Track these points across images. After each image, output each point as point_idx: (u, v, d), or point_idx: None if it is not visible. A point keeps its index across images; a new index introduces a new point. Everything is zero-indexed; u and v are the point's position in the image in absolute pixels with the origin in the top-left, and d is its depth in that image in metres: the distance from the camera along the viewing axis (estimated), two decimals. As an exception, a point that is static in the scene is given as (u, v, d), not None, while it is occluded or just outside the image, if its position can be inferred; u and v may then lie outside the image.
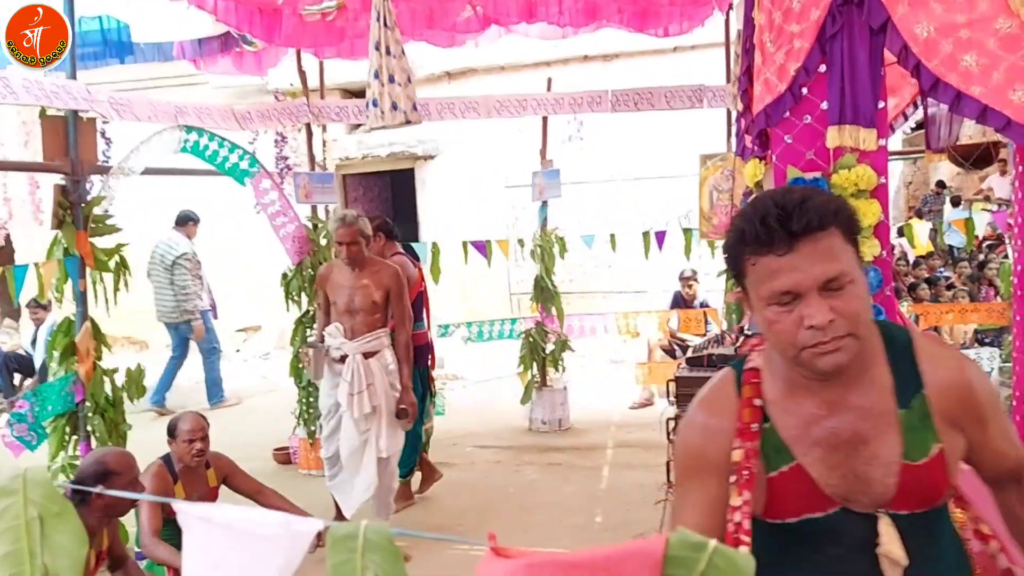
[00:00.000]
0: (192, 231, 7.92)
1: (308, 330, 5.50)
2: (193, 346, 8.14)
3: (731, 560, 0.54)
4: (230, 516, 0.58)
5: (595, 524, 4.47)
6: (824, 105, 2.43)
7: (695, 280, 7.47)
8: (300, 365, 4.62)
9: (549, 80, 6.65)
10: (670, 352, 7.44)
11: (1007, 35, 2.21)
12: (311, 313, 5.48)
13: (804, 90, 2.45)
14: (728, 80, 6.09)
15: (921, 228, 7.03)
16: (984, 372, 1.48)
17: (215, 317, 8.39)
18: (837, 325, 1.25)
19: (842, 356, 1.27)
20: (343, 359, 4.20)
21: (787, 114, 2.47)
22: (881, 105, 2.43)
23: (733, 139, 6.04)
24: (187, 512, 0.61)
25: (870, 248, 2.40)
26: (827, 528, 1.33)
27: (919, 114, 5.43)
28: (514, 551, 0.55)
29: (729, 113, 6.23)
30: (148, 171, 5.38)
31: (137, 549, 3.69)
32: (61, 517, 0.65)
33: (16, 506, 0.65)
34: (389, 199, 11.99)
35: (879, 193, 2.43)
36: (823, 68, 2.42)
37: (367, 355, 4.18)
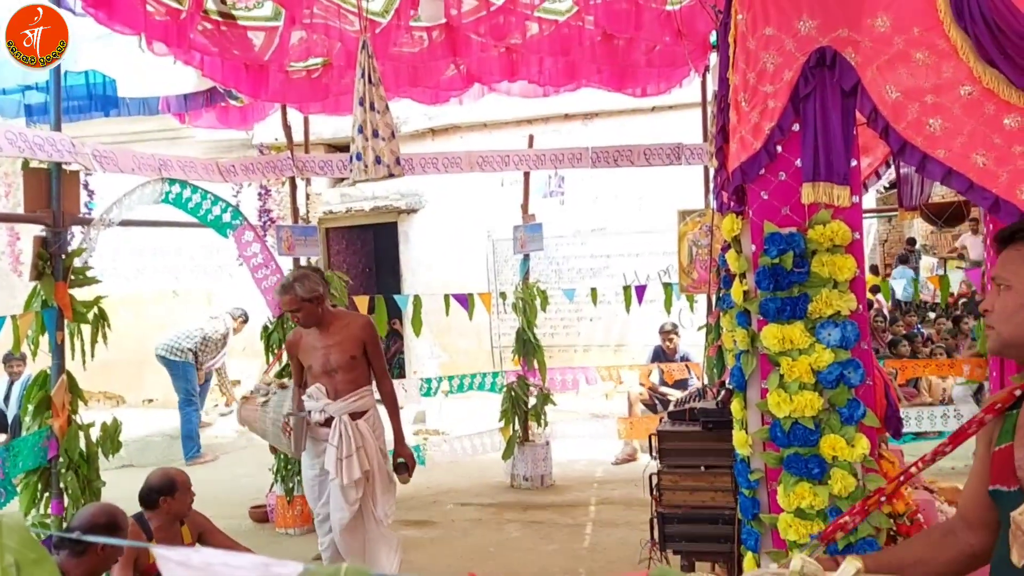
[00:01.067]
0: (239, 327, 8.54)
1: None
2: (172, 398, 8.08)
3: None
4: (208, 559, 0.57)
5: (577, 582, 4.39)
6: (798, 163, 2.49)
7: (675, 334, 7.51)
8: (285, 436, 4.27)
9: (531, 137, 6.77)
10: (651, 407, 7.43)
11: (969, 100, 2.29)
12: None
13: (779, 148, 2.51)
14: (705, 138, 6.23)
15: (896, 283, 7.12)
16: None
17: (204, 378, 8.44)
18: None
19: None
20: (328, 422, 3.96)
21: (762, 171, 2.52)
22: (854, 163, 2.48)
23: (711, 195, 6.15)
24: (165, 556, 0.60)
25: (847, 302, 2.43)
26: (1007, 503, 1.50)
27: (892, 173, 5.57)
28: None
29: (706, 170, 6.34)
30: (129, 223, 5.38)
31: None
32: (39, 564, 0.63)
33: (-9, 553, 0.63)
34: (372, 252, 12.02)
35: (854, 248, 2.47)
36: (797, 127, 2.48)
37: (354, 416, 3.95)
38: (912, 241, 13.71)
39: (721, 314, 3.82)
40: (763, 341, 2.47)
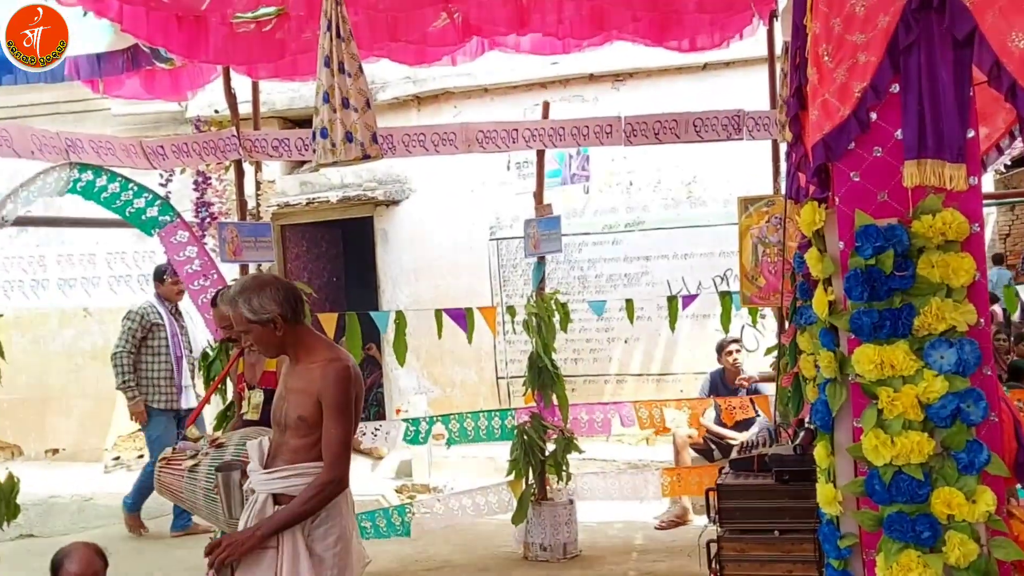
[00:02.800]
0: (169, 291, 7.57)
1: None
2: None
3: None
4: None
5: None
6: (899, 134, 2.49)
7: (740, 348, 7.46)
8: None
9: (546, 105, 6.78)
10: (706, 453, 7.42)
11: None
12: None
13: (873, 115, 2.51)
14: (773, 105, 6.23)
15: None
16: None
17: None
18: None
19: None
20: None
21: (852, 145, 2.52)
22: (971, 134, 2.48)
23: (782, 179, 6.15)
24: None
25: (964, 315, 2.42)
26: None
27: (1016, 147, 5.55)
28: None
29: (776, 145, 6.35)
30: (26, 221, 5.43)
31: None
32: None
33: None
34: (341, 256, 12.06)
35: (972, 245, 2.46)
36: (896, 88, 2.48)
37: (280, 500, 3.44)
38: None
39: (798, 332, 3.82)
40: (855, 367, 2.46)
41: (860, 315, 2.47)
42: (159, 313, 7.24)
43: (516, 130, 6.43)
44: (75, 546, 3.95)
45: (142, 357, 7.17)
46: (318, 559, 3.36)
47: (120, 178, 5.33)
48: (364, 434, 7.01)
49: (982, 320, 2.46)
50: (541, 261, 6.64)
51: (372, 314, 6.71)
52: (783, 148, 6.08)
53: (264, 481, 3.45)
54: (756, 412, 7.24)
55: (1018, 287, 7.82)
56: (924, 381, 2.42)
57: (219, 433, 4.62)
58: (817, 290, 2.63)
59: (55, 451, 11.08)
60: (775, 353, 6.32)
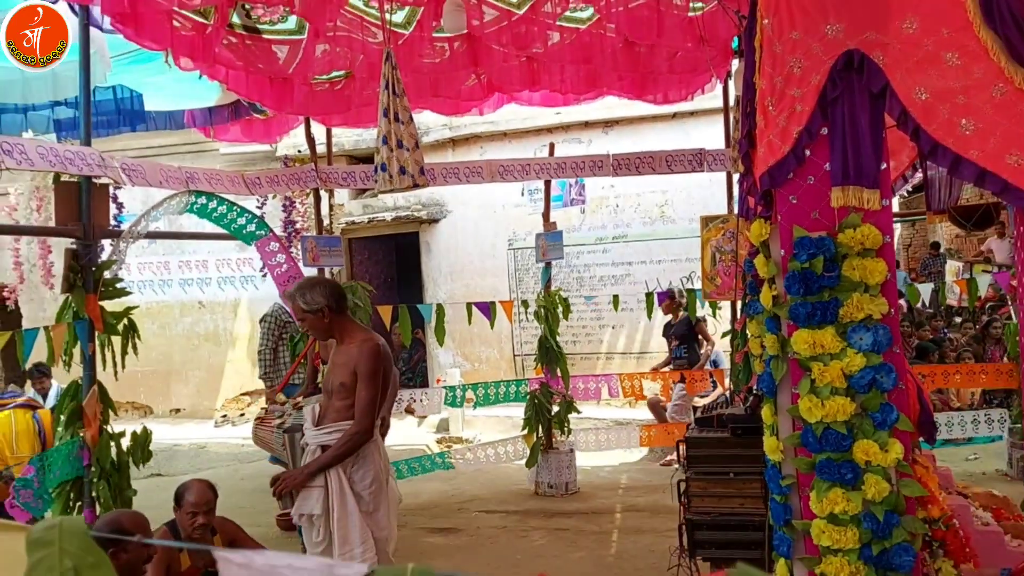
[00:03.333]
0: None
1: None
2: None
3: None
4: (272, 561, 0.56)
5: (605, 590, 4.36)
6: (827, 166, 2.47)
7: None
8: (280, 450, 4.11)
9: (551, 145, 6.76)
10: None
11: (1002, 100, 2.26)
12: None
13: (807, 152, 2.49)
14: (727, 144, 6.19)
15: (924, 288, 7.04)
16: None
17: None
18: None
19: None
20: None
21: (791, 175, 2.50)
22: (883, 166, 2.46)
23: (735, 201, 6.12)
24: (227, 559, 0.60)
25: (878, 306, 2.40)
26: None
27: (917, 177, 5.51)
28: None
29: (729, 176, 6.31)
30: (156, 235, 5.46)
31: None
32: (97, 569, 0.64)
33: (51, 557, 0.64)
34: (394, 262, 12.07)
35: (884, 252, 2.44)
36: (825, 131, 2.46)
37: (325, 449, 3.46)
38: (936, 245, 13.55)
39: (748, 320, 3.80)
40: (794, 346, 2.44)
41: (797, 307, 2.46)
42: (287, 311, 7.07)
43: (528, 165, 6.42)
44: (193, 482, 3.96)
45: (279, 348, 6.79)
46: (357, 495, 3.43)
47: (227, 202, 5.34)
48: (413, 400, 7.02)
49: (892, 310, 2.44)
50: (548, 266, 6.63)
51: (419, 306, 6.72)
52: (735, 178, 6.06)
53: (315, 436, 3.49)
54: (713, 382, 7.22)
55: (917, 285, 7.73)
56: (847, 357, 2.40)
57: (299, 398, 4.66)
58: (764, 288, 2.61)
59: (177, 410, 11.14)
60: (730, 336, 6.30)
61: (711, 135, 7.26)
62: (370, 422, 3.40)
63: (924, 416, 2.66)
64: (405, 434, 9.24)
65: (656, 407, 7.49)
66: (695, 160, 6.30)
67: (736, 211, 4.97)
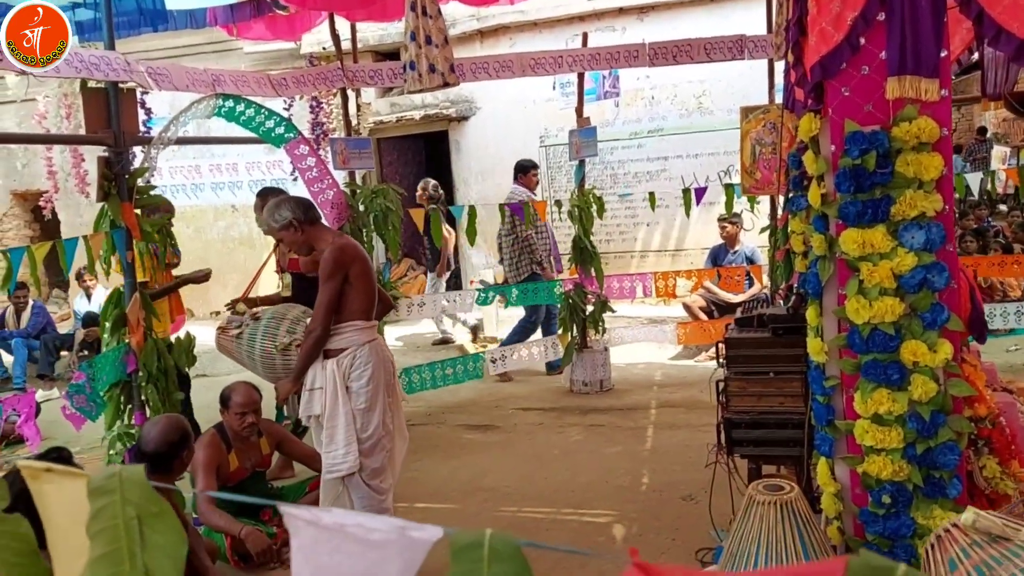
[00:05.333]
0: (531, 181, 7.16)
1: None
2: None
3: (923, 585, 0.50)
4: (340, 520, 0.56)
5: (642, 485, 4.47)
6: (883, 55, 2.33)
7: (732, 222, 7.31)
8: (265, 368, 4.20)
9: (584, 35, 6.52)
10: (707, 312, 7.39)
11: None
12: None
13: (862, 40, 2.35)
14: (769, 29, 5.91)
15: (972, 178, 6.80)
16: None
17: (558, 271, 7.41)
18: None
19: None
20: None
21: (844, 65, 2.37)
22: (943, 54, 2.32)
23: (777, 91, 5.89)
24: (294, 515, 0.60)
25: (932, 203, 2.31)
26: None
27: (971, 59, 5.23)
28: (662, 568, 0.52)
29: (771, 64, 6.06)
30: (184, 140, 5.41)
31: (194, 515, 3.77)
32: (160, 517, 0.64)
33: (113, 506, 0.64)
34: (424, 162, 11.95)
35: (942, 146, 2.33)
36: (882, 16, 2.31)
37: (328, 354, 3.55)
38: (983, 130, 13.05)
39: (790, 216, 3.71)
40: (842, 246, 2.38)
41: (847, 205, 2.37)
42: None
43: (561, 57, 6.20)
44: (238, 384, 4.08)
45: None
46: (354, 394, 3.53)
47: (254, 104, 5.27)
48: (447, 301, 7.08)
49: (947, 207, 2.36)
50: (581, 163, 6.51)
51: (450, 208, 6.68)
52: (778, 66, 5.81)
53: None
54: (749, 280, 7.16)
55: (964, 175, 7.50)
56: (898, 257, 2.33)
57: (257, 309, 4.63)
58: (812, 185, 2.52)
59: (216, 313, 11.38)
60: (768, 232, 6.20)
61: (752, 20, 6.93)
62: (321, 319, 3.48)
63: (975, 314, 2.61)
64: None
65: (691, 308, 7.48)
66: (735, 47, 6.03)
67: (780, 102, 4.78)
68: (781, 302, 3.91)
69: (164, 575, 0.60)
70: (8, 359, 8.60)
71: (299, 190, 6.07)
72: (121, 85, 4.23)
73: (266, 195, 5.47)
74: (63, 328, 9.69)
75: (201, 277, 5.14)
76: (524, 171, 7.13)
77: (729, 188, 6.41)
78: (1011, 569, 1.33)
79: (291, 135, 5.54)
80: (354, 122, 6.37)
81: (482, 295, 6.80)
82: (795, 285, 3.81)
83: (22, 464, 0.73)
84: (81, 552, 0.62)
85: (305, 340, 3.55)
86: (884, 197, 2.34)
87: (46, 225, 11.79)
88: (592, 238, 6.45)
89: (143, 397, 4.32)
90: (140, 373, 4.30)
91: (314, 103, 8.13)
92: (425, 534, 0.54)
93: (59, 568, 0.68)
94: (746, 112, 5.94)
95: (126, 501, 0.63)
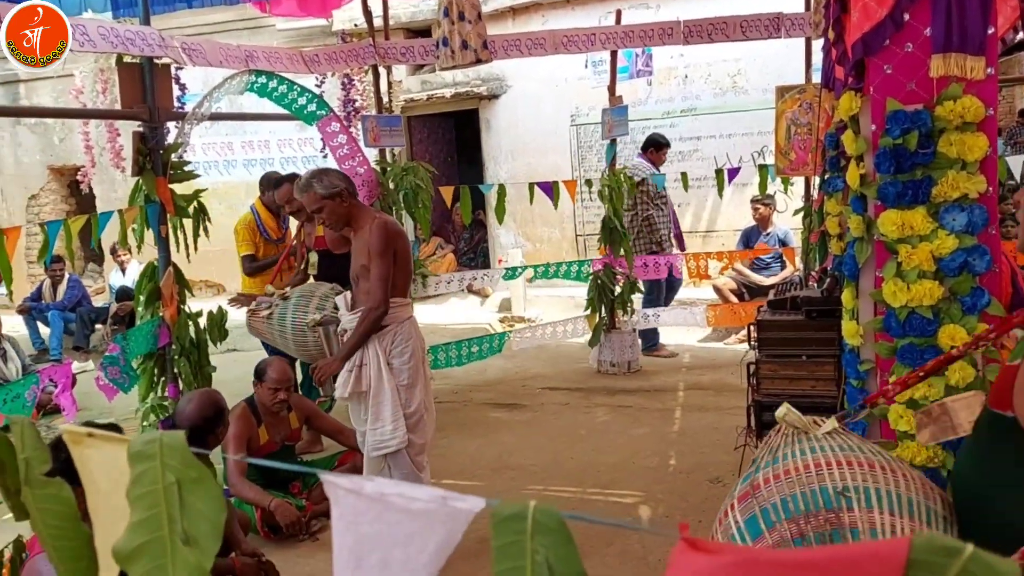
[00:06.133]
0: (659, 158, 6.94)
1: None
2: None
3: (990, 567, 0.49)
4: (382, 489, 0.56)
5: (669, 467, 4.46)
6: (928, 31, 2.27)
7: (764, 203, 7.19)
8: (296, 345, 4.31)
9: (618, 12, 6.43)
10: (738, 294, 7.32)
11: None
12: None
13: (906, 15, 2.29)
14: (807, 7, 5.79)
15: (1013, 161, 6.64)
16: None
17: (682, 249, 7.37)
18: None
19: None
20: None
21: (887, 42, 2.31)
22: (990, 31, 2.26)
23: (813, 70, 5.78)
24: (335, 483, 0.60)
25: (975, 184, 2.26)
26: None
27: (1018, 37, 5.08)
28: (712, 544, 0.52)
29: (808, 42, 5.94)
30: (217, 116, 5.46)
31: (224, 487, 3.83)
32: (199, 483, 0.64)
33: (153, 471, 0.64)
34: (454, 141, 11.93)
35: (986, 126, 2.27)
36: (928, -9, 2.25)
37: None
38: (1024, 113, 12.72)
39: (826, 198, 3.65)
40: (880, 227, 2.33)
41: (887, 186, 2.33)
42: None
43: (594, 34, 6.12)
44: (274, 359, 4.13)
45: None
46: (396, 370, 3.51)
47: (287, 81, 5.27)
48: (475, 278, 7.09)
49: (990, 188, 2.30)
50: (613, 142, 6.45)
51: (479, 186, 6.66)
52: (815, 44, 5.70)
53: (351, 320, 3.56)
54: (781, 262, 7.07)
55: (1006, 158, 7.31)
56: (938, 239, 2.28)
57: (287, 289, 4.72)
58: (850, 165, 2.47)
59: (247, 289, 11.51)
60: (802, 213, 6.11)
61: (789, -2, 6.78)
62: (382, 297, 3.44)
63: (1016, 299, 2.55)
64: (467, 314, 9.40)
65: (721, 290, 7.41)
66: (772, 25, 5.92)
67: (817, 80, 4.69)
68: (815, 285, 3.87)
69: (203, 540, 0.60)
70: (45, 331, 8.78)
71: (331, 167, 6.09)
72: (156, 60, 4.26)
73: (269, 179, 5.55)
74: (98, 302, 9.87)
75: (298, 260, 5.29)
76: (657, 147, 6.89)
77: (763, 169, 6.33)
78: (794, 450, 1.56)
79: (323, 112, 5.54)
80: (385, 100, 6.37)
81: (509, 272, 6.80)
82: (829, 268, 3.76)
83: (65, 428, 0.73)
84: (121, 516, 0.63)
85: (365, 317, 3.45)
86: (925, 178, 2.29)
87: (82, 200, 11.98)
88: (622, 218, 6.41)
89: (175, 370, 4.39)
90: (173, 346, 4.36)
91: (345, 80, 8.15)
92: (467, 504, 0.54)
93: (99, 532, 0.69)
94: (782, 92, 5.84)
95: (166, 466, 0.64)
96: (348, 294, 3.68)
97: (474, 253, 11.33)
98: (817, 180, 5.19)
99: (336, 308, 3.88)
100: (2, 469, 0.93)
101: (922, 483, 1.45)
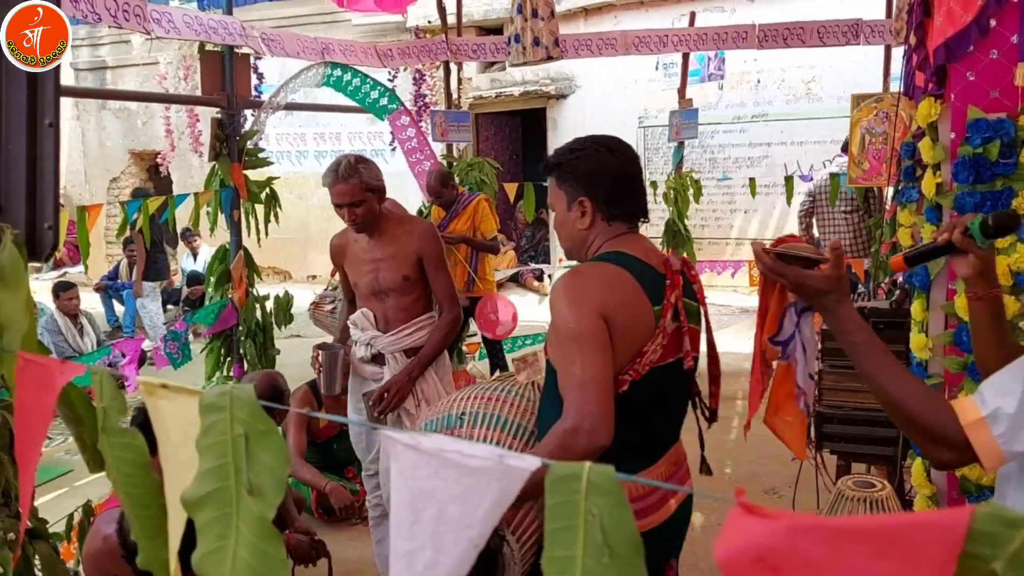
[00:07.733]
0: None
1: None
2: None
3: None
4: (440, 445, 0.57)
5: (725, 475, 4.40)
6: (1015, 38, 2.19)
7: None
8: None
9: (692, 14, 6.37)
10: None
11: None
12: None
13: (992, 21, 2.21)
14: (888, 14, 5.64)
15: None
16: None
17: None
18: None
19: None
20: (377, 359, 3.12)
21: (971, 48, 2.24)
22: (1084, 38, 2.16)
23: (892, 79, 5.62)
24: (395, 439, 0.61)
25: (1058, 201, 2.17)
26: None
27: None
28: (768, 510, 0.52)
29: (888, 50, 5.78)
30: (292, 106, 5.58)
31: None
32: (266, 436, 0.67)
33: (223, 423, 0.67)
34: (520, 139, 11.97)
35: (1074, 138, 2.18)
36: (1018, -4, 2.18)
37: (410, 354, 3.06)
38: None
39: (899, 208, 3.54)
40: (955, 239, 2.26)
41: (964, 196, 2.25)
42: None
43: (666, 36, 6.08)
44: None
45: None
46: (443, 376, 3.15)
47: (361, 75, 5.38)
48: (533, 273, 7.10)
49: (1072, 212, 2.21)
50: (680, 145, 6.39)
51: (544, 184, 6.67)
52: (895, 52, 5.54)
53: (392, 342, 3.05)
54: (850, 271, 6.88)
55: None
56: (1016, 253, 2.20)
57: None
58: (927, 173, 2.40)
59: (313, 276, 11.78)
60: (873, 223, 5.95)
61: (869, 3, 6.61)
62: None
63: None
64: (525, 311, 9.41)
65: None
66: (851, 31, 5.78)
67: (895, 90, 4.55)
68: (884, 296, 3.76)
69: (267, 491, 0.63)
70: (120, 309, 9.12)
71: (398, 160, 6.19)
72: (236, 50, 4.39)
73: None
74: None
75: (491, 247, 5.49)
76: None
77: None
78: (487, 389, 2.11)
79: (394, 106, 5.63)
80: (455, 96, 6.44)
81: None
82: (899, 279, 3.66)
83: (140, 380, 0.77)
84: (190, 466, 0.66)
85: (443, 328, 3.05)
86: (1006, 189, 2.21)
87: (160, 183, 12.41)
88: (687, 222, 6.34)
89: (241, 351, 4.52)
90: (240, 327, 4.49)
91: (417, 75, 8.24)
92: (523, 463, 0.55)
93: (169, 481, 0.73)
94: (857, 100, 5.69)
95: (235, 418, 0.66)
96: (366, 310, 3.09)
97: (535, 251, 11.35)
98: (890, 191, 5.04)
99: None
100: (80, 423, 0.98)
101: (523, 410, 2.02)
